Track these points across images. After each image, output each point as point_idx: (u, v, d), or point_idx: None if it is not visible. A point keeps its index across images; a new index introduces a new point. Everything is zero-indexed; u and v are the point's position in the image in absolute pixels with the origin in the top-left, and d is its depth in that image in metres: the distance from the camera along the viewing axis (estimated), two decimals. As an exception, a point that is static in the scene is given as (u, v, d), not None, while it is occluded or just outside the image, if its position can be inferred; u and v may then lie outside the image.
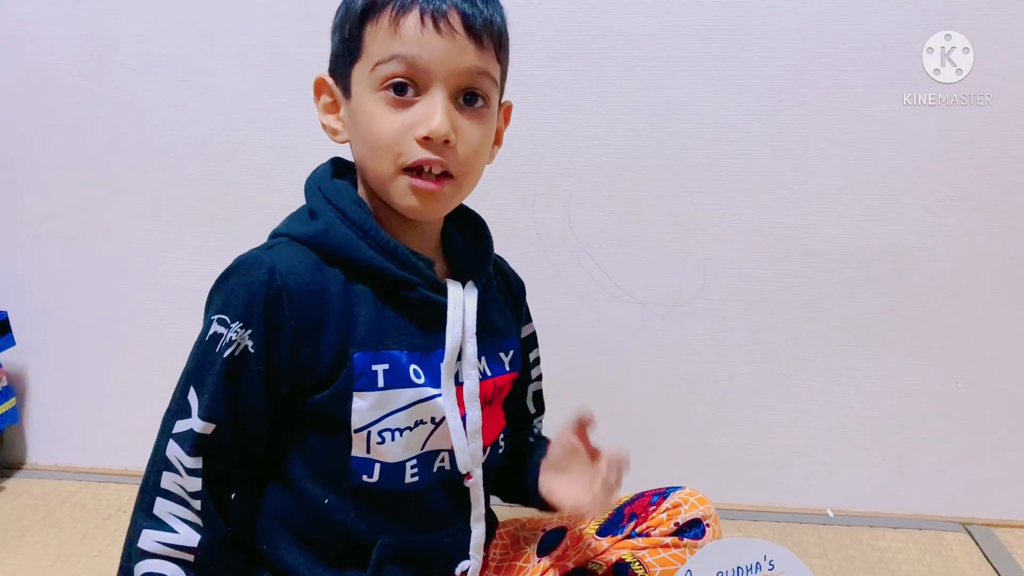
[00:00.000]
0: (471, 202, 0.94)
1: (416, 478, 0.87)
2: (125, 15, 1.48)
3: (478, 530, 0.92)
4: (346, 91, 0.85)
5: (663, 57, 1.38)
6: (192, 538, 0.80)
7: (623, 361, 1.51)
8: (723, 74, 1.37)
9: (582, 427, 0.90)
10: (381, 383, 0.83)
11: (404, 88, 0.80)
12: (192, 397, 0.80)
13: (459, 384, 0.88)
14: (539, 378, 1.09)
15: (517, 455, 1.01)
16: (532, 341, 1.07)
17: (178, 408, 0.81)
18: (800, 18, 1.34)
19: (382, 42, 0.80)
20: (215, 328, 0.80)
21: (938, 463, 1.48)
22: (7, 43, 1.52)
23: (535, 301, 1.08)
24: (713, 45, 1.37)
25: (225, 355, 0.79)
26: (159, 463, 0.81)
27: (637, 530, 0.98)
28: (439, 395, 0.85)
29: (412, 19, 0.79)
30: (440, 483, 0.89)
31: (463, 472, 0.89)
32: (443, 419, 0.86)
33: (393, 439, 0.84)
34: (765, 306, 1.46)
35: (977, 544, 1.41)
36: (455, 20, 0.79)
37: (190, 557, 0.80)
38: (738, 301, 1.46)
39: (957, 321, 1.43)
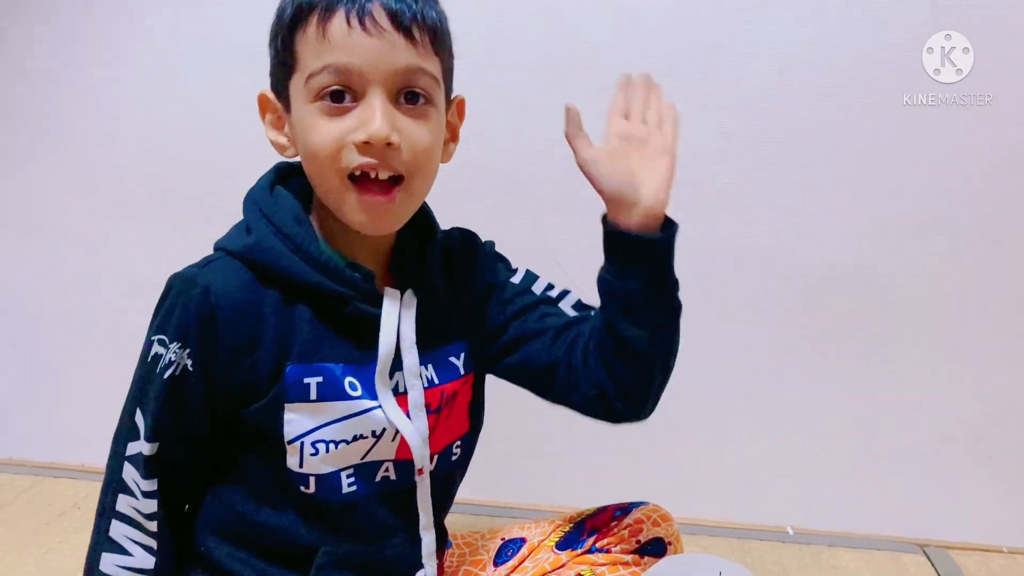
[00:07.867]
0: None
1: (354, 487, 0.86)
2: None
3: (428, 538, 0.91)
4: (286, 105, 0.84)
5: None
6: (148, 561, 0.82)
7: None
8: (706, 86, 1.38)
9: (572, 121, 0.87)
10: (314, 395, 0.83)
11: (341, 95, 0.78)
12: (139, 418, 0.81)
13: (402, 394, 0.87)
14: (564, 295, 0.97)
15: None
16: (528, 280, 0.98)
17: (127, 430, 0.82)
18: (800, 17, 1.35)
19: (313, 51, 0.78)
20: (155, 349, 0.81)
21: (897, 484, 1.50)
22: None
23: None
24: (703, 53, 1.37)
25: (166, 376, 0.80)
26: (115, 485, 0.82)
27: (597, 545, 0.97)
28: (377, 407, 0.84)
29: (338, 22, 0.77)
30: (383, 493, 0.88)
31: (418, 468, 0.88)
32: (383, 432, 0.85)
33: (327, 451, 0.83)
34: (730, 323, 1.46)
35: (933, 565, 1.42)
36: (381, 17, 0.77)
37: None
38: (704, 318, 1.45)
39: (919, 344, 1.44)
